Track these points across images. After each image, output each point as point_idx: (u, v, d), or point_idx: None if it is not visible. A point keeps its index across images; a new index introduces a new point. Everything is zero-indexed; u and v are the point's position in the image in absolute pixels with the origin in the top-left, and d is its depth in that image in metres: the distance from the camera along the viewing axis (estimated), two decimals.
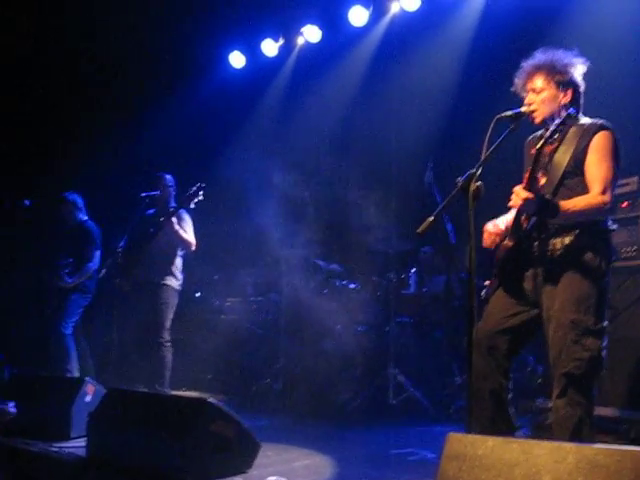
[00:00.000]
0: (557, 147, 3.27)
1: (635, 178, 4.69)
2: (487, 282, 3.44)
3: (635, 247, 4.60)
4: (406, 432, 5.28)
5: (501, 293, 3.34)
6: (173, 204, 6.27)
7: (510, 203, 3.14)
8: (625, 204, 4.61)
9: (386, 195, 6.80)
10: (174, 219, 5.90)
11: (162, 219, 5.97)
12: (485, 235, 3.44)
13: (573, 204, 3.10)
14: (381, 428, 5.46)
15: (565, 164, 3.22)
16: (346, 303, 6.64)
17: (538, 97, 3.32)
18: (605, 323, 3.12)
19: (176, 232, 5.93)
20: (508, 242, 3.31)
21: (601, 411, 4.15)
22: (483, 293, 3.43)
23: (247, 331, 7.38)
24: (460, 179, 2.87)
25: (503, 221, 3.47)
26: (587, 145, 3.20)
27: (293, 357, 6.58)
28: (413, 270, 7.06)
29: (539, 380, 5.37)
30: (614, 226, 3.29)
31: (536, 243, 3.25)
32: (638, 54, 5.60)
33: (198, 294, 8.22)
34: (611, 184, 3.14)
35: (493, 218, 3.56)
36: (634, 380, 4.36)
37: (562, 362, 3.05)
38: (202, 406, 3.55)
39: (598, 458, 2.09)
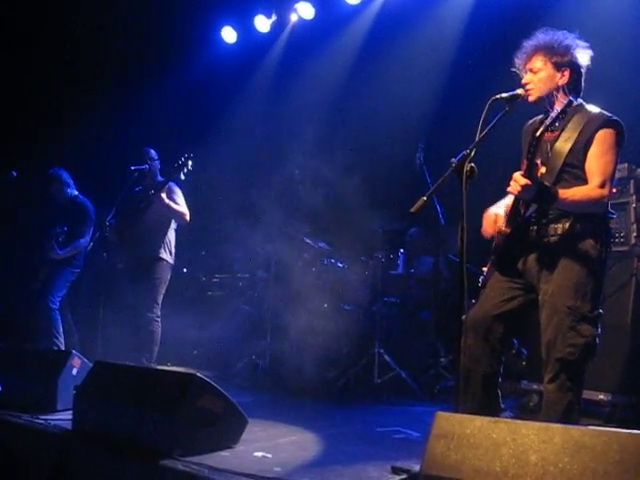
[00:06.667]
0: (559, 135, 3.26)
1: (625, 165, 4.72)
2: (484, 268, 3.45)
3: (623, 233, 4.65)
4: (391, 411, 5.34)
5: (498, 278, 3.35)
6: (160, 178, 6.24)
7: (508, 189, 3.13)
8: (615, 190, 4.63)
9: (376, 174, 6.79)
10: (163, 195, 5.84)
11: (152, 192, 5.91)
12: (484, 223, 3.43)
13: (572, 193, 3.10)
14: (366, 407, 5.51)
15: (566, 153, 3.21)
16: (333, 282, 6.66)
17: (535, 77, 3.32)
18: (600, 310, 3.14)
19: (167, 206, 5.87)
20: (506, 228, 3.31)
21: (584, 394, 4.20)
22: (481, 279, 3.43)
23: (233, 308, 7.38)
24: (454, 160, 2.87)
25: (502, 206, 3.46)
26: (591, 137, 3.17)
27: (279, 334, 6.59)
28: (401, 251, 7.07)
29: (523, 362, 5.41)
30: (614, 215, 3.30)
31: (535, 228, 3.25)
32: (631, 42, 5.60)
33: (185, 270, 8.21)
34: (610, 178, 3.14)
35: (484, 200, 3.56)
36: (619, 365, 4.42)
37: (557, 347, 3.07)
38: (190, 381, 3.54)
39: (584, 439, 2.12)
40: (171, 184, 6.00)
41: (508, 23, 6.13)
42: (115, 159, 7.19)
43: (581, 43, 3.34)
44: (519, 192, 3.08)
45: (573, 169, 3.21)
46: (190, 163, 5.77)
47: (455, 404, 2.76)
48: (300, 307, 6.47)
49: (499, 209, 3.45)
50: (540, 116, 3.37)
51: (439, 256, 6.62)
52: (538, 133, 3.04)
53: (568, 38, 3.33)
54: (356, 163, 6.65)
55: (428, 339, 6.44)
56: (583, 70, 3.35)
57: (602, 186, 3.11)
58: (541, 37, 3.36)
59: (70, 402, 4.07)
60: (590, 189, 3.13)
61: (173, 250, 6.20)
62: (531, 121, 3.53)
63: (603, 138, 3.18)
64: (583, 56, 3.33)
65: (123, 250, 6.05)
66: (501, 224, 3.35)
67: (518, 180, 3.05)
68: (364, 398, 5.68)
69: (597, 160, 3.16)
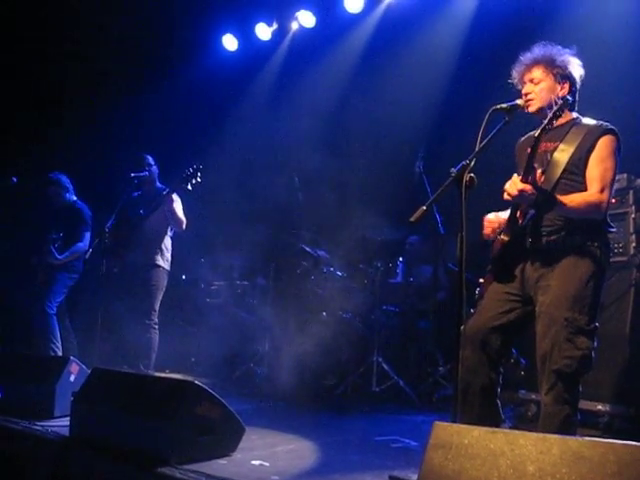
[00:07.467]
0: (558, 146, 3.28)
1: (624, 175, 4.73)
2: (481, 280, 3.45)
3: (622, 243, 4.65)
4: (389, 420, 5.32)
5: (496, 288, 3.35)
6: (159, 184, 6.25)
7: (505, 195, 3.14)
8: (614, 201, 4.64)
9: (376, 183, 6.80)
10: (174, 195, 5.88)
11: (166, 192, 5.90)
12: (485, 223, 3.45)
13: (571, 199, 3.11)
14: (364, 415, 5.49)
15: (565, 163, 3.23)
16: (332, 290, 6.66)
17: (536, 87, 3.35)
18: (597, 323, 3.14)
19: (173, 210, 5.91)
20: (504, 237, 3.31)
21: (582, 405, 4.20)
22: (478, 290, 3.44)
23: (232, 315, 7.38)
24: (454, 170, 2.87)
25: (504, 214, 3.47)
26: (593, 145, 3.21)
27: (277, 342, 6.59)
28: (401, 259, 7.07)
29: (522, 372, 5.41)
30: (613, 229, 3.32)
31: (533, 239, 3.25)
32: (630, 54, 5.62)
33: (184, 277, 8.21)
34: (610, 184, 3.17)
35: (483, 210, 3.57)
36: (617, 375, 4.41)
37: (553, 359, 3.07)
38: (188, 388, 3.55)
39: (582, 450, 2.11)
40: None
41: (509, 33, 6.15)
42: (114, 165, 7.20)
43: (575, 59, 3.39)
44: (515, 196, 3.09)
45: (572, 177, 3.23)
46: (199, 174, 5.77)
47: (453, 414, 2.75)
48: (299, 315, 6.47)
49: (499, 213, 3.46)
50: (534, 132, 3.39)
51: (438, 265, 6.62)
52: (537, 134, 3.07)
53: (566, 52, 3.39)
54: (356, 171, 6.67)
55: (427, 348, 6.43)
56: (578, 85, 3.40)
57: (601, 192, 3.14)
58: (540, 50, 3.40)
59: (68, 408, 4.07)
60: (589, 195, 3.15)
61: (169, 256, 6.20)
62: (524, 138, 3.56)
63: (604, 144, 3.21)
64: (578, 71, 3.39)
65: (119, 254, 6.05)
66: (499, 225, 3.37)
67: (516, 184, 3.07)
68: (362, 406, 5.65)
69: (597, 166, 3.19)
